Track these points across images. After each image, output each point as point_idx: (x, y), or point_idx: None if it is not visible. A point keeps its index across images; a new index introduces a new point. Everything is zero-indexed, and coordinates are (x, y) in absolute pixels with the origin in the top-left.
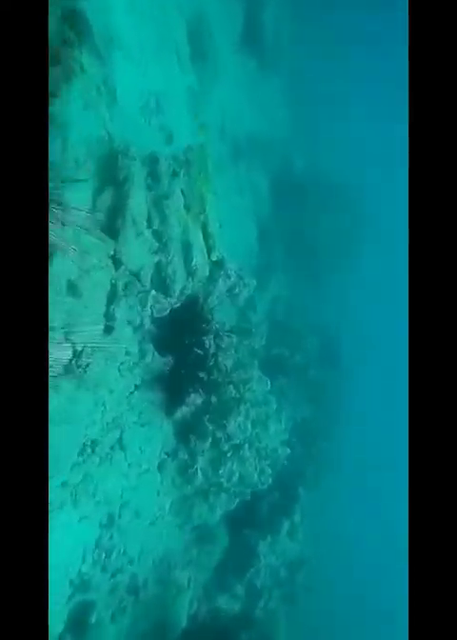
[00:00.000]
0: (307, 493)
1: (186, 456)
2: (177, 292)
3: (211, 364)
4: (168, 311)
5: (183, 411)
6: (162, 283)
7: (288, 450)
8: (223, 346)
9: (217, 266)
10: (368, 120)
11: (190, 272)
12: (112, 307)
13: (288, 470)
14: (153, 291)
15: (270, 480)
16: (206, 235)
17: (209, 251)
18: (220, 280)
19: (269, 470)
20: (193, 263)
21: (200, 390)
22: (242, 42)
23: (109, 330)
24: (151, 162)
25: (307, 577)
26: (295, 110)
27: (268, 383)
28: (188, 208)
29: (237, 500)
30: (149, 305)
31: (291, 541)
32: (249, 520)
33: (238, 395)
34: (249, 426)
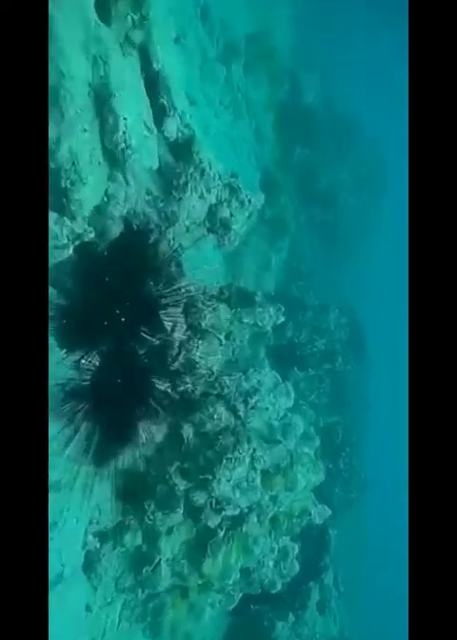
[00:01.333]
0: (339, 537)
1: (138, 541)
2: (89, 211)
3: (179, 363)
4: (70, 251)
5: (127, 458)
6: (52, 186)
7: (330, 511)
8: (202, 327)
9: (180, 152)
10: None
11: (116, 160)
12: None
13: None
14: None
15: (298, 567)
16: (149, 78)
17: (162, 115)
18: (188, 186)
19: (296, 548)
20: (121, 135)
21: (156, 416)
22: None
23: None
24: None
25: None
26: (304, 14)
27: (291, 394)
28: (107, 11)
29: (240, 595)
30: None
31: (322, 615)
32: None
33: (235, 421)
34: (258, 480)
